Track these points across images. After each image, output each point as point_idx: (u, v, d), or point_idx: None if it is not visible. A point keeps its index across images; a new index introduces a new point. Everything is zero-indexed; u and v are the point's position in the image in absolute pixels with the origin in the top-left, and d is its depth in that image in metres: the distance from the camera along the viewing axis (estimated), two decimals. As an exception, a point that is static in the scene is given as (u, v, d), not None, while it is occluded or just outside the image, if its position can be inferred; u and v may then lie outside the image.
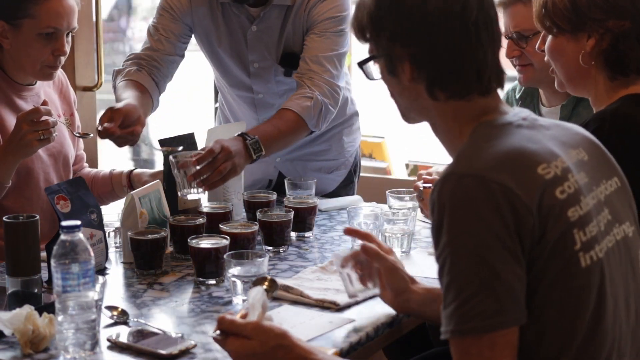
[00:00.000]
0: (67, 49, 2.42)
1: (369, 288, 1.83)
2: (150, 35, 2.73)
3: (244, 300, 1.90)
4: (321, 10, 2.61)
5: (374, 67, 1.57)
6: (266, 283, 1.74)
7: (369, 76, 1.60)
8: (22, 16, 2.35)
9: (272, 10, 2.65)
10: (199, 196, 2.34)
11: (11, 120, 2.38)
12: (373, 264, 1.80)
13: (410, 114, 1.57)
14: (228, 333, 1.50)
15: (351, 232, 1.91)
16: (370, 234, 1.87)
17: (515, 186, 1.33)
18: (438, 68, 1.46)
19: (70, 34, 2.43)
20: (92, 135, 2.58)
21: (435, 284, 2.03)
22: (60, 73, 2.60)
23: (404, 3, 1.46)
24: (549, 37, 1.98)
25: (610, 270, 1.41)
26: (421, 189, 2.21)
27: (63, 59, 2.43)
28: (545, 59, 2.03)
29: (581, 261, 1.36)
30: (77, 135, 2.59)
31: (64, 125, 2.52)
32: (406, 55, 1.47)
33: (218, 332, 1.51)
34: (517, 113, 1.50)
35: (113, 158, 2.98)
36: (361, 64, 1.59)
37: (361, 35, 1.55)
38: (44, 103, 2.29)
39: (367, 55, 1.57)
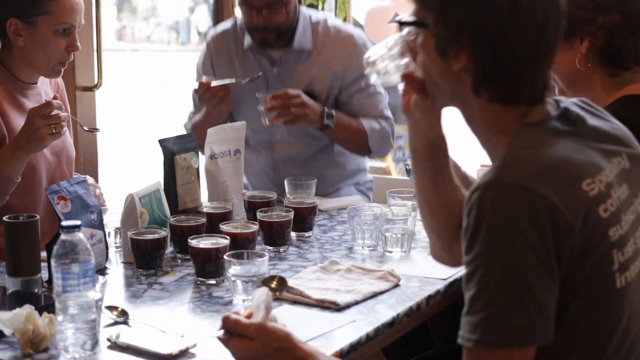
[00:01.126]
0: (78, 47, 2.45)
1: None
2: (192, 99, 2.99)
3: (244, 301, 1.90)
4: (353, 67, 2.89)
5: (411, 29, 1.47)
6: (274, 282, 1.73)
7: (402, 33, 1.49)
8: (38, 13, 2.36)
9: (292, 54, 2.89)
10: (272, 120, 2.73)
11: (16, 118, 2.40)
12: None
13: (441, 98, 1.47)
14: (232, 333, 1.50)
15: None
16: None
17: (559, 202, 1.29)
18: (495, 70, 1.38)
19: (77, 30, 2.45)
20: (100, 129, 2.60)
21: (436, 275, 2.04)
22: None
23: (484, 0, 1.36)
24: None
25: (637, 289, 1.39)
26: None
27: (72, 57, 2.45)
28: None
29: (617, 282, 1.34)
30: (87, 130, 2.60)
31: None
32: (469, 45, 1.37)
33: (222, 331, 1.51)
34: (562, 113, 1.43)
35: (113, 158, 2.98)
36: (402, 24, 1.49)
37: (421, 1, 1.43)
38: (54, 98, 2.32)
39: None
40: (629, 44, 1.92)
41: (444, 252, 1.70)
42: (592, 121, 1.47)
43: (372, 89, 2.94)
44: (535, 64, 1.39)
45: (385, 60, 1.57)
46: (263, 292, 1.53)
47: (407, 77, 1.49)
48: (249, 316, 1.51)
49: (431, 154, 1.60)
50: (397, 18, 1.50)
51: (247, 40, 2.93)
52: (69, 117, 2.34)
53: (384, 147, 3.00)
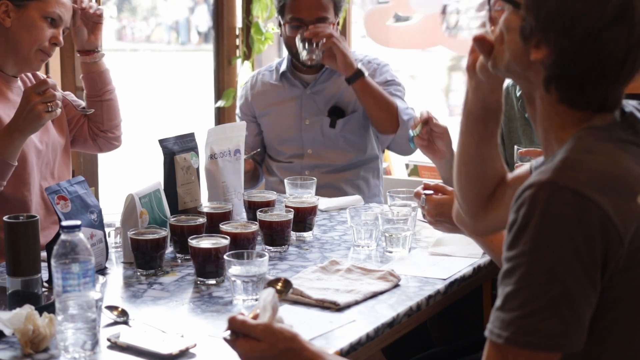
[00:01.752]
0: (62, 43, 2.49)
1: None
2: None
3: (244, 301, 1.90)
4: (377, 79, 3.11)
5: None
6: (280, 284, 1.72)
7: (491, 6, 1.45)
8: None
9: (324, 76, 3.16)
10: (312, 55, 2.95)
11: (1, 108, 2.43)
12: None
13: (506, 73, 1.45)
14: (238, 334, 1.49)
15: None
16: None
17: (613, 212, 1.26)
18: (571, 75, 1.35)
19: (64, 33, 2.50)
20: (93, 110, 2.64)
21: (436, 275, 2.04)
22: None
23: (589, 5, 1.32)
24: None
25: None
26: (423, 196, 2.18)
27: (53, 52, 2.49)
28: None
29: None
30: (80, 110, 2.62)
31: None
32: (554, 42, 1.34)
33: (228, 332, 1.49)
34: (627, 119, 1.39)
35: (113, 158, 2.98)
36: None
37: None
38: (48, 77, 2.34)
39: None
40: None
41: (468, 218, 1.72)
42: None
43: (393, 88, 3.13)
44: (615, 78, 1.35)
45: (462, 15, 1.54)
46: (269, 293, 1.52)
47: (479, 40, 1.46)
48: (255, 317, 1.50)
49: (485, 117, 1.61)
50: None
51: (283, 66, 3.21)
52: (62, 97, 2.38)
53: (406, 124, 3.04)
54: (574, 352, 1.29)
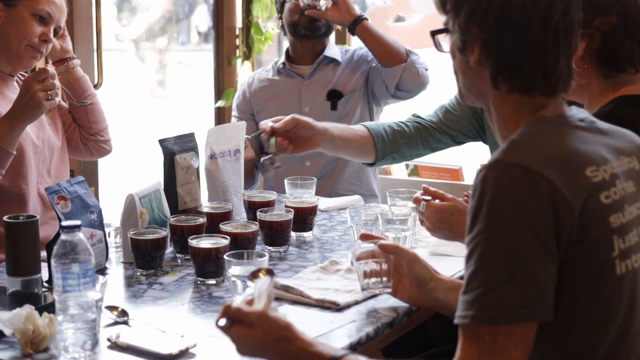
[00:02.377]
0: (51, 47, 2.52)
1: (383, 283, 1.84)
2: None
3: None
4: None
5: (444, 40, 1.57)
6: (262, 272, 1.70)
7: (438, 47, 1.60)
8: None
9: (321, 65, 3.27)
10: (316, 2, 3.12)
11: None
12: (389, 260, 1.82)
13: (469, 95, 1.55)
14: (233, 321, 1.49)
15: (367, 237, 1.90)
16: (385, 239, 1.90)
17: (562, 184, 1.32)
18: (506, 59, 1.44)
19: (56, 31, 2.52)
20: (90, 102, 2.66)
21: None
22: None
23: None
24: None
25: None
26: (424, 202, 2.18)
27: (45, 50, 2.51)
28: None
29: (616, 268, 1.36)
30: (78, 103, 2.63)
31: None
32: (479, 38, 1.45)
33: (224, 320, 1.50)
34: (575, 114, 1.48)
35: (113, 158, 2.98)
36: (434, 33, 1.58)
37: (442, 6, 1.53)
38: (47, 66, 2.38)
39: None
40: (624, 46, 1.93)
41: None
42: (603, 125, 1.50)
43: None
44: (544, 52, 1.43)
45: None
46: (265, 281, 1.53)
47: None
48: (250, 303, 1.51)
49: (432, 299, 1.81)
50: (431, 30, 1.60)
51: (280, 62, 3.32)
52: (61, 87, 2.42)
53: (418, 79, 3.14)
54: (545, 327, 1.33)
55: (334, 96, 3.25)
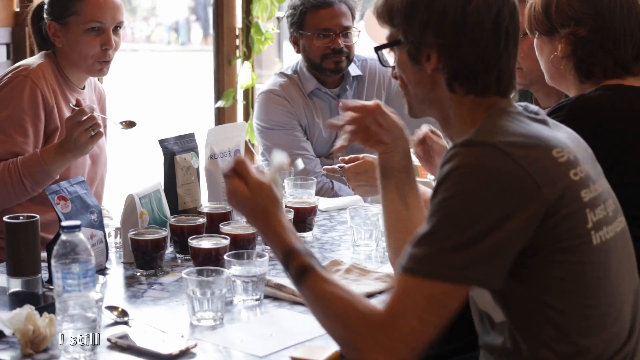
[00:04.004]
0: (119, 43, 2.56)
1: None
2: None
3: (244, 301, 1.91)
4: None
5: (388, 55, 1.62)
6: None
7: (383, 62, 1.67)
8: (69, 14, 2.51)
9: (347, 84, 3.21)
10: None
11: (68, 115, 2.48)
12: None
13: (420, 106, 1.60)
14: (236, 172, 1.60)
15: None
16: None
17: (530, 163, 1.39)
18: (463, 63, 1.51)
19: (118, 28, 2.55)
20: (136, 123, 2.55)
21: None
22: (100, 87, 2.76)
23: None
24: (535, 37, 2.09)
25: (617, 253, 1.49)
26: (339, 169, 2.41)
27: (112, 53, 2.55)
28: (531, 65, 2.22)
29: (593, 239, 1.43)
30: (122, 127, 2.53)
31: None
32: (436, 44, 1.51)
33: (230, 167, 1.61)
34: (529, 108, 1.56)
35: (113, 158, 2.97)
36: (379, 49, 1.64)
37: (388, 20, 1.57)
38: (78, 103, 2.39)
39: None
40: (596, 58, 1.98)
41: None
42: (553, 121, 1.60)
43: None
44: (497, 54, 1.51)
45: None
46: (281, 157, 1.65)
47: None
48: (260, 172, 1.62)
49: (393, 177, 1.81)
50: (374, 46, 1.66)
51: (310, 85, 3.20)
52: (103, 117, 2.43)
53: None
54: (529, 295, 1.41)
55: None
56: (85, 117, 2.32)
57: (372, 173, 2.13)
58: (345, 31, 3.12)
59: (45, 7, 2.56)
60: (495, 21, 1.50)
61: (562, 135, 1.53)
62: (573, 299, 1.43)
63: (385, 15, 1.57)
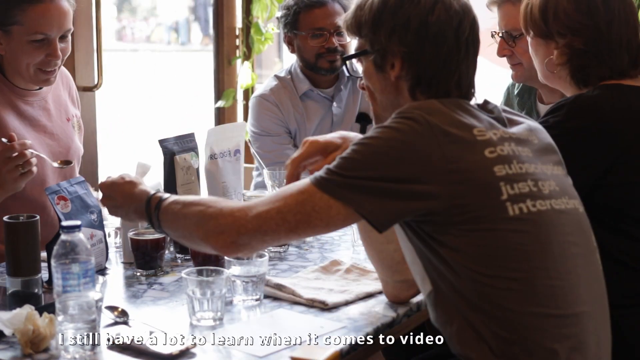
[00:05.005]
0: (67, 50, 2.40)
1: None
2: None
3: (244, 301, 1.91)
4: None
5: (357, 64, 1.72)
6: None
7: (350, 71, 1.79)
8: (11, 23, 2.32)
9: (341, 84, 3.19)
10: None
11: (15, 124, 2.38)
12: None
13: (385, 114, 1.68)
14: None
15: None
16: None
17: (446, 136, 1.52)
18: (425, 70, 1.63)
19: (66, 36, 2.39)
20: (73, 164, 2.49)
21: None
22: (66, 74, 2.61)
23: (411, 6, 1.62)
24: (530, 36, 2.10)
25: (557, 225, 1.57)
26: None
27: (59, 62, 2.41)
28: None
29: (509, 210, 1.53)
30: (57, 165, 2.41)
31: (72, 128, 2.54)
32: (400, 53, 1.63)
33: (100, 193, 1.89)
34: (481, 103, 1.67)
35: (113, 158, 2.97)
36: (347, 59, 1.76)
37: (357, 31, 1.69)
38: (11, 138, 2.22)
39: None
40: (591, 69, 1.99)
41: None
42: (519, 115, 1.69)
43: None
44: (457, 63, 1.63)
45: None
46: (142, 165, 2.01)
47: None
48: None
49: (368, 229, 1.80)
50: (343, 56, 1.81)
51: (303, 86, 3.19)
52: (36, 153, 2.25)
53: None
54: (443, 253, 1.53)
55: (363, 119, 3.20)
56: (11, 154, 2.18)
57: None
58: (339, 30, 3.09)
59: None
60: (456, 32, 1.62)
61: (500, 120, 1.62)
62: (494, 262, 1.51)
63: (353, 26, 1.68)
